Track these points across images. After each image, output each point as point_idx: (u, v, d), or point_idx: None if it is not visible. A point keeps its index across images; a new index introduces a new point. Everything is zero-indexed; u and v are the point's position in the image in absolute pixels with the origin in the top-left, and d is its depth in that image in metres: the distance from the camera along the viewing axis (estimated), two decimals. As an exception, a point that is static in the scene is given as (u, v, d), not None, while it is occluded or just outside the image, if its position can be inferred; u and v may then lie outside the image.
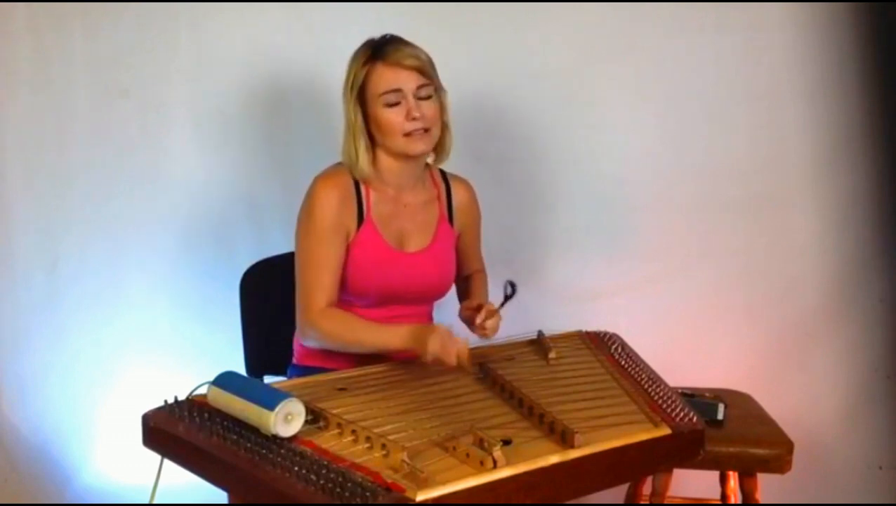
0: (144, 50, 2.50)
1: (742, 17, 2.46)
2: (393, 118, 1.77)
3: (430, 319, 2.00)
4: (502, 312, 1.83)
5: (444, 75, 1.89)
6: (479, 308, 1.83)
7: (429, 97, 1.80)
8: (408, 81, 1.77)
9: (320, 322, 1.78)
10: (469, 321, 1.85)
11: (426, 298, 1.94)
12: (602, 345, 1.93)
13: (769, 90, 2.51)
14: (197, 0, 2.48)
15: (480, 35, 2.52)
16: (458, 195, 1.98)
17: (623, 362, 1.82)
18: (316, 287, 1.79)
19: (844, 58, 2.47)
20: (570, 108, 2.56)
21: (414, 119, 1.77)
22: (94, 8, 2.46)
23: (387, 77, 1.77)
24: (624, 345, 1.94)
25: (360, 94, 1.80)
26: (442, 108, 1.84)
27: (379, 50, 1.78)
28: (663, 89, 2.53)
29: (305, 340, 1.84)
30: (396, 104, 1.77)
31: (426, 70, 1.79)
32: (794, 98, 2.51)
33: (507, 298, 1.80)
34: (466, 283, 2.05)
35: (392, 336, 1.75)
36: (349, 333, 1.79)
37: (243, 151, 2.59)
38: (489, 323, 1.80)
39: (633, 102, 2.55)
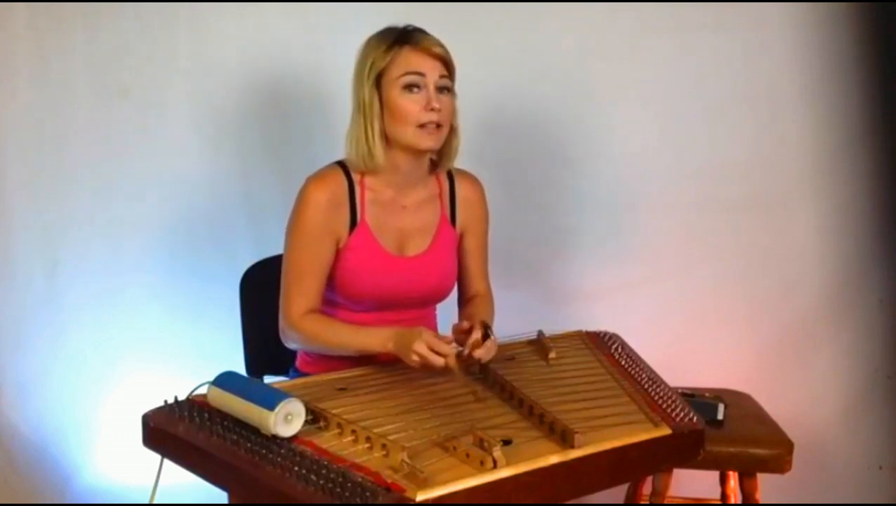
0: (144, 50, 2.50)
1: (742, 16, 2.47)
2: (410, 106, 1.71)
3: (434, 320, 1.97)
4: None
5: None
6: (469, 330, 1.71)
7: (448, 90, 1.76)
8: (432, 70, 1.72)
9: (301, 325, 1.75)
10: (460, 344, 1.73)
11: (426, 302, 1.90)
12: (602, 345, 1.93)
13: (769, 90, 2.52)
14: (197, 0, 2.48)
15: (481, 35, 2.52)
16: (463, 190, 1.92)
17: (623, 362, 1.82)
18: (297, 292, 1.76)
19: (844, 58, 2.47)
20: (570, 108, 2.56)
21: (432, 109, 1.71)
22: (94, 7, 2.46)
23: (412, 60, 1.72)
24: (624, 345, 1.94)
25: (377, 79, 1.74)
26: (453, 109, 1.80)
27: (406, 36, 1.74)
28: (663, 89, 2.53)
29: (286, 341, 1.81)
30: (416, 91, 1.72)
31: (450, 62, 1.76)
32: (794, 98, 2.52)
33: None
34: (468, 309, 1.93)
35: (373, 339, 1.70)
36: (331, 336, 1.75)
37: (243, 150, 2.59)
38: (479, 352, 1.66)
39: (633, 102, 2.55)
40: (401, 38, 1.74)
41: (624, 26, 2.50)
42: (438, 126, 1.74)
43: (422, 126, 1.73)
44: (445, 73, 1.75)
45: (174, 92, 2.54)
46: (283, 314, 1.78)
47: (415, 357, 1.59)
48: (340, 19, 2.46)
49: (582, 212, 2.60)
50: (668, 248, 2.59)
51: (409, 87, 1.72)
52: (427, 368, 1.60)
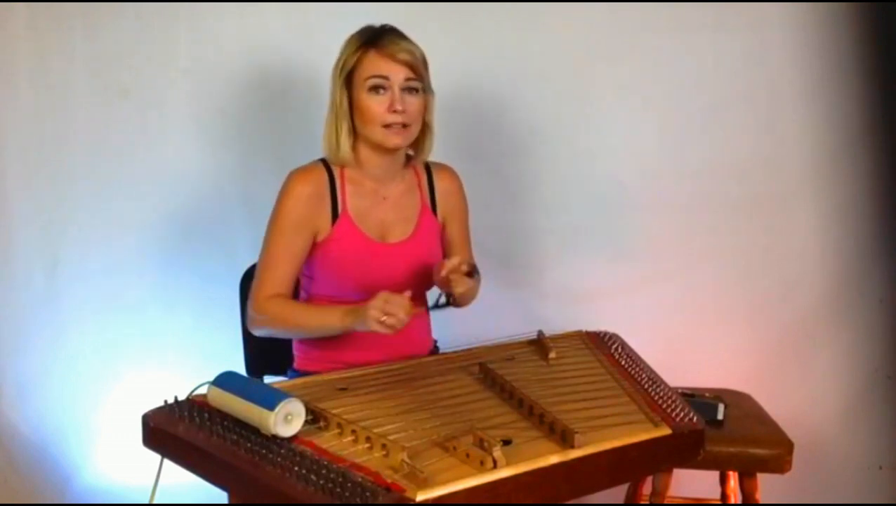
0: (144, 50, 2.50)
1: (742, 16, 2.46)
2: (375, 106, 1.77)
3: (426, 313, 1.98)
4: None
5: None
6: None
7: (415, 91, 1.80)
8: (397, 73, 1.77)
9: (265, 307, 1.80)
10: (441, 281, 1.80)
11: (413, 290, 1.92)
12: (602, 345, 1.93)
13: (769, 90, 2.51)
14: (197, 0, 2.48)
15: (480, 35, 2.52)
16: (441, 182, 1.97)
17: (623, 362, 1.82)
18: (268, 278, 1.81)
19: (844, 58, 2.47)
20: (570, 108, 2.56)
21: (395, 111, 1.76)
22: (94, 8, 2.46)
23: (377, 64, 1.77)
24: (624, 345, 1.94)
25: (347, 78, 1.80)
26: (426, 108, 1.84)
27: (375, 38, 1.79)
28: (663, 89, 2.53)
29: (252, 327, 1.84)
30: (381, 92, 1.77)
31: (417, 66, 1.79)
32: (794, 98, 2.51)
33: (437, 306, 1.79)
34: None
35: (332, 315, 1.75)
36: (291, 317, 1.80)
37: (243, 150, 2.59)
38: (455, 276, 1.73)
39: (633, 102, 2.55)
40: (370, 40, 1.79)
41: (624, 26, 2.50)
42: (405, 126, 1.79)
43: (387, 126, 1.78)
44: (412, 75, 1.79)
45: (174, 92, 2.54)
46: (250, 300, 1.83)
47: (372, 318, 1.61)
48: (340, 19, 2.44)
49: (582, 212, 2.60)
50: (668, 248, 2.59)
51: (375, 88, 1.77)
52: (389, 326, 1.62)
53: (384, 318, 1.61)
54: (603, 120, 2.57)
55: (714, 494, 2.32)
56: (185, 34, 2.52)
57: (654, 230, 2.59)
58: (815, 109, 2.51)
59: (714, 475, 2.30)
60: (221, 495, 1.47)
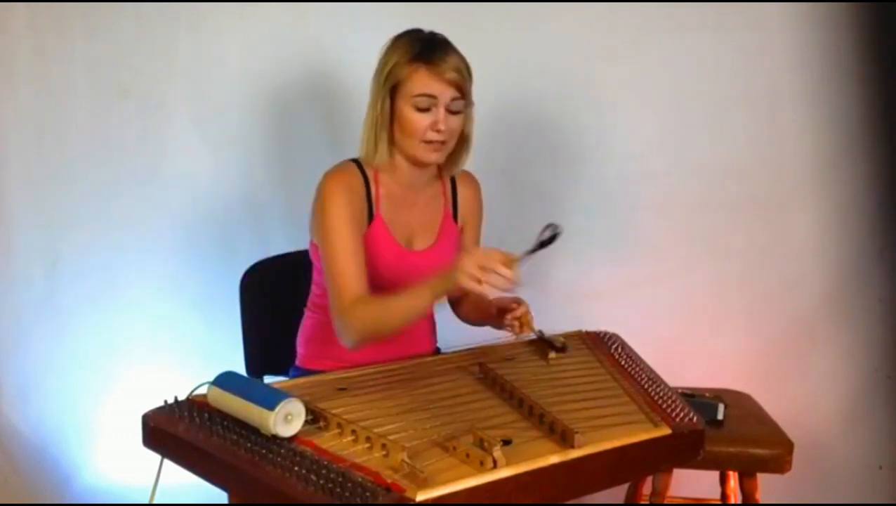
0: (144, 50, 2.51)
1: (742, 16, 2.47)
2: (418, 122, 1.76)
3: (433, 318, 1.99)
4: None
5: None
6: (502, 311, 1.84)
7: (458, 112, 1.79)
8: (445, 93, 1.75)
9: (353, 313, 1.71)
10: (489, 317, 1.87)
11: None
12: (602, 345, 1.93)
13: (769, 90, 2.51)
14: (197, 0, 2.48)
15: (481, 35, 2.51)
16: (463, 189, 1.97)
17: (623, 362, 1.82)
18: (344, 283, 1.73)
19: (844, 58, 2.47)
20: (570, 108, 2.56)
21: (438, 130, 1.76)
22: (94, 8, 2.46)
23: (427, 82, 1.74)
24: (624, 345, 1.94)
25: (393, 87, 1.77)
26: (467, 120, 1.84)
27: (427, 52, 1.76)
28: (663, 89, 2.53)
29: (348, 339, 1.72)
30: (427, 110, 1.76)
31: (464, 86, 1.78)
32: (794, 98, 2.52)
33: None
34: (470, 299, 1.99)
35: (419, 292, 1.67)
36: (383, 311, 1.71)
37: (244, 150, 2.59)
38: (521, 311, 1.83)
39: (634, 102, 2.55)
40: (422, 54, 1.75)
41: (624, 26, 2.50)
42: (443, 143, 1.79)
43: (427, 142, 1.78)
44: (458, 95, 1.77)
45: (174, 92, 2.54)
46: (334, 309, 1.74)
47: (464, 271, 1.56)
48: (340, 19, 2.46)
49: (582, 212, 2.60)
50: (668, 248, 2.59)
51: (422, 105, 1.76)
52: (489, 280, 1.56)
53: (480, 274, 1.55)
54: (603, 120, 2.57)
55: (714, 494, 2.32)
56: (185, 34, 2.52)
57: (654, 230, 2.60)
58: (815, 109, 2.51)
59: (714, 475, 2.30)
60: (221, 495, 1.47)
